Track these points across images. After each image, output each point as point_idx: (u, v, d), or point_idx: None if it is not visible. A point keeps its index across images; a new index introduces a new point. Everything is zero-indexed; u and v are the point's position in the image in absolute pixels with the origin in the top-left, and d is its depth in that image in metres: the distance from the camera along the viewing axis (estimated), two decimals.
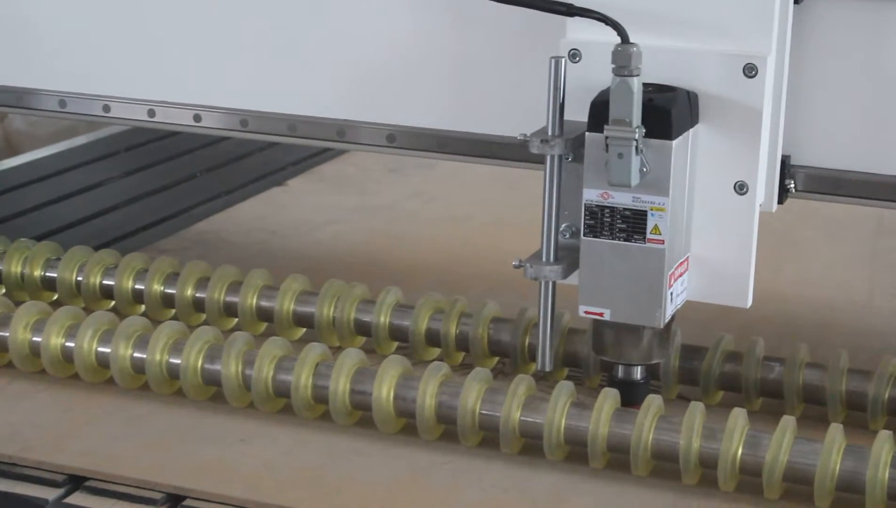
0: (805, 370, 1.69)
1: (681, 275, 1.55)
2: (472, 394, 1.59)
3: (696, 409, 1.53)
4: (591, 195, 1.52)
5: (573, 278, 1.56)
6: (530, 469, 1.57)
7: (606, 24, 1.48)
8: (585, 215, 1.52)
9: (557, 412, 1.55)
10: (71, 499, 1.53)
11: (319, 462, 1.58)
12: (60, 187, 2.64)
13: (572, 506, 1.50)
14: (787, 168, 1.61)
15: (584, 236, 1.53)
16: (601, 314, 1.55)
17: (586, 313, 1.55)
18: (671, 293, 1.54)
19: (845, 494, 1.49)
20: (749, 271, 1.57)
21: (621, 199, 1.51)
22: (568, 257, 1.55)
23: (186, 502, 1.51)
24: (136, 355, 1.71)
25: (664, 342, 1.60)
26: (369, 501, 1.50)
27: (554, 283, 1.55)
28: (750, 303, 1.58)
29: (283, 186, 2.70)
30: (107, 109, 1.96)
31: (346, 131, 1.84)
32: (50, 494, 1.53)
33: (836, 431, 1.49)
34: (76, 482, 1.55)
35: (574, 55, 1.56)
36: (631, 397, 1.59)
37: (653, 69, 1.50)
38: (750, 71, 1.51)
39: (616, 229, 1.51)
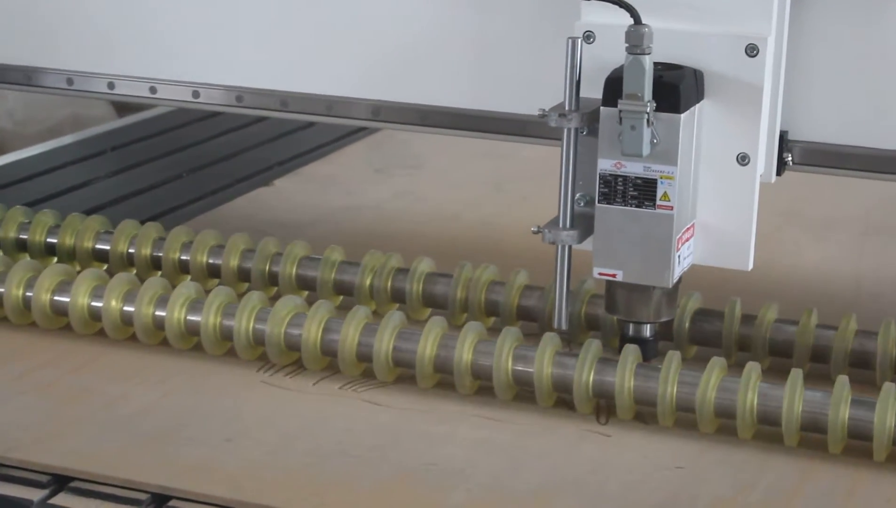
0: (816, 331, 1.80)
1: (687, 239, 1.66)
2: (505, 350, 1.69)
3: (716, 363, 1.64)
4: (605, 165, 1.61)
5: (587, 244, 1.66)
6: (516, 470, 1.57)
7: (620, 6, 1.57)
8: (600, 183, 1.62)
9: (586, 366, 1.66)
10: (56, 500, 1.51)
11: (305, 462, 1.57)
12: (47, 187, 2.60)
13: (557, 507, 1.51)
14: (784, 142, 1.71)
15: (598, 202, 1.62)
16: (614, 275, 1.65)
17: (600, 274, 1.65)
18: (679, 256, 1.64)
19: (854, 441, 1.58)
20: (750, 237, 1.66)
21: (633, 168, 1.60)
22: (582, 224, 1.64)
23: (171, 503, 1.51)
24: (189, 317, 1.81)
25: (672, 301, 1.70)
26: (354, 502, 1.50)
27: (570, 247, 1.65)
28: (751, 266, 1.68)
29: (270, 186, 2.69)
30: (153, 90, 2.02)
31: (381, 111, 1.92)
32: (34, 495, 1.52)
33: (843, 383, 1.59)
34: (61, 482, 1.54)
35: (588, 36, 1.65)
36: (641, 353, 1.69)
37: (662, 49, 1.59)
38: (751, 51, 1.61)
39: (628, 196, 1.61)
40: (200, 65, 2.00)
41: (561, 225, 1.64)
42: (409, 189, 2.67)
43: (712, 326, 1.83)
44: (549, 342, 1.69)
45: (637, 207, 1.62)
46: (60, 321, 1.89)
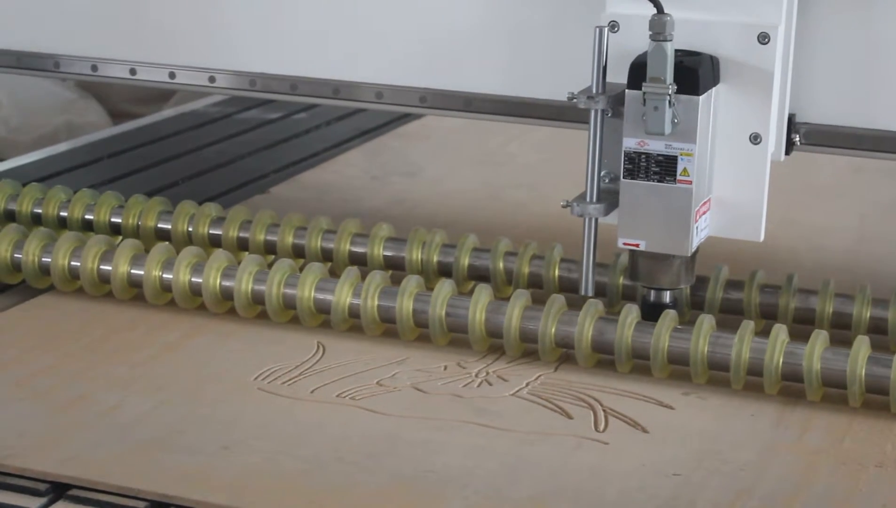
0: (835, 300, 1.93)
1: (705, 212, 1.79)
2: (551, 313, 1.82)
3: (748, 326, 1.76)
4: (629, 143, 1.74)
5: (611, 218, 1.78)
6: (513, 477, 1.56)
7: None
8: (625, 160, 1.75)
9: (626, 327, 1.79)
10: None
11: (302, 469, 1.56)
12: None
13: None
14: (793, 124, 1.84)
15: (623, 178, 1.75)
16: (637, 245, 1.78)
17: (624, 244, 1.78)
18: (697, 227, 1.77)
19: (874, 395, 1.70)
20: (762, 211, 1.79)
21: (656, 146, 1.73)
22: (607, 198, 1.77)
23: None
24: (255, 287, 1.94)
25: (690, 269, 1.83)
26: None
27: (596, 219, 1.77)
28: (762, 238, 1.81)
29: (266, 193, 2.67)
30: (212, 79, 2.13)
31: (428, 98, 2.04)
32: (33, 503, 1.50)
33: (861, 342, 1.72)
34: (59, 490, 1.52)
35: (613, 26, 1.78)
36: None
37: (682, 37, 1.71)
38: (763, 39, 1.74)
39: (651, 171, 1.74)
40: (257, 55, 2.11)
41: (588, 199, 1.77)
42: (405, 196, 2.68)
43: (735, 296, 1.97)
44: (592, 306, 1.82)
45: (659, 181, 1.74)
46: (132, 292, 2.01)
